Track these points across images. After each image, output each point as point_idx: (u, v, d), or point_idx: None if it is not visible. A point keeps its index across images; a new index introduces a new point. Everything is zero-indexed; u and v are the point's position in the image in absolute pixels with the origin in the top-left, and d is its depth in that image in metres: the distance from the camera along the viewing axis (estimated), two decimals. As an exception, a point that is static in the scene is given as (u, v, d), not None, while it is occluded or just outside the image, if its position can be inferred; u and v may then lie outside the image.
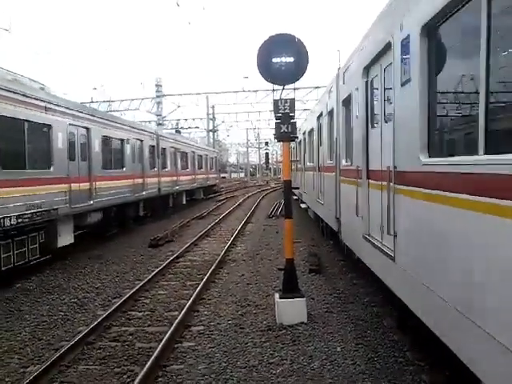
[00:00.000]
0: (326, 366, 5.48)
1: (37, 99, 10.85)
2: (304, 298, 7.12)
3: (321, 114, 12.70)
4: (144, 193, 18.61)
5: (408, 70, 4.72)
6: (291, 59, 7.14)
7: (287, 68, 7.15)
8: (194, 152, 29.93)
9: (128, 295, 8.44)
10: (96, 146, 14.10)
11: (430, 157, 4.35)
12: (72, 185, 12.27)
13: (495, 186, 3.00)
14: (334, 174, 10.36)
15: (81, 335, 6.45)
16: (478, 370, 3.27)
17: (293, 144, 21.39)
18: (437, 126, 4.45)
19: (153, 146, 20.66)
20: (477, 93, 3.42)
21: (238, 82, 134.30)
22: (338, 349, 5.98)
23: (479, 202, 3.20)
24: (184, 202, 27.27)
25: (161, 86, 42.42)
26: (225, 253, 12.36)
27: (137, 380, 5.00)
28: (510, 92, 3.25)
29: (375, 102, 6.64)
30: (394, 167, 5.25)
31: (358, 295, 8.24)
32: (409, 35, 4.63)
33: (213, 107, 47.71)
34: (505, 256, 2.88)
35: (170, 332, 6.40)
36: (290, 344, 6.19)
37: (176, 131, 42.75)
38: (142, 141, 18.82)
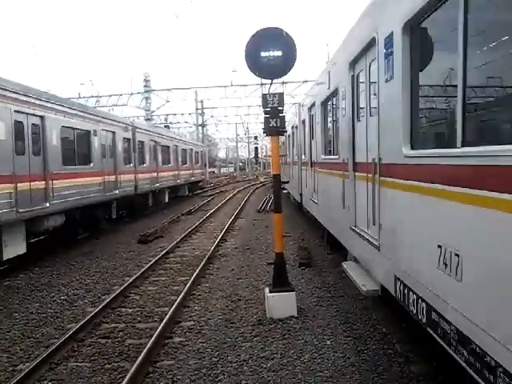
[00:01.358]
0: (316, 360, 5.52)
1: None
2: (294, 292, 7.15)
3: (293, 126, 18.48)
4: (117, 191, 16.51)
5: (319, 117, 10.71)
6: (279, 53, 7.13)
7: (275, 62, 7.13)
8: (176, 146, 27.87)
9: (118, 291, 8.42)
10: (53, 137, 11.99)
11: (324, 155, 10.20)
12: (19, 184, 10.23)
13: (332, 166, 8.78)
14: (297, 166, 17.25)
15: (70, 332, 6.43)
16: (332, 231, 9.57)
17: (280, 140, 23.14)
18: (327, 143, 10.16)
19: (128, 139, 18.62)
20: (332, 133, 9.50)
21: (227, 75, 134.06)
22: (328, 342, 6.02)
23: (330, 171, 9.01)
24: (166, 201, 25.33)
25: (149, 80, 42.29)
26: (215, 248, 12.36)
27: (128, 376, 5.00)
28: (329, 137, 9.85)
29: (314, 126, 11.94)
30: (316, 159, 11.52)
31: (347, 288, 8.28)
32: (320, 101, 10.39)
33: (201, 102, 47.56)
34: (335, 189, 8.36)
35: (160, 328, 6.40)
36: (281, 338, 6.22)
37: (165, 126, 42.58)
38: (114, 133, 16.76)
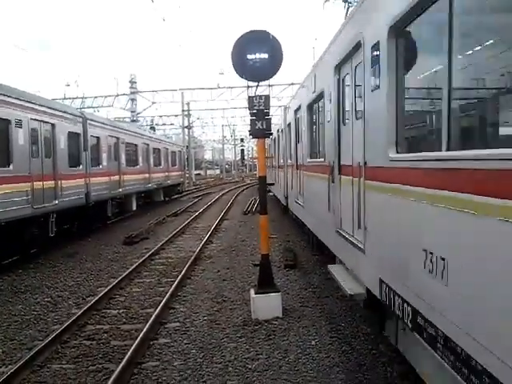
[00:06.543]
0: (301, 360, 5.56)
1: None
2: (279, 293, 7.19)
3: (278, 130, 19.92)
4: (56, 201, 12.87)
5: (282, 137, 17.46)
6: (266, 56, 7.19)
7: (262, 65, 7.19)
8: (147, 144, 23.97)
9: (103, 293, 8.37)
10: None
11: (286, 160, 16.30)
12: None
13: (289, 167, 15.31)
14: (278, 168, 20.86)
15: (54, 334, 6.38)
16: (285, 203, 17.32)
17: (266, 143, 23.88)
18: (287, 154, 15.90)
19: (76, 134, 14.77)
20: (289, 148, 15.51)
21: (214, 78, 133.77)
22: (313, 342, 6.07)
23: (288, 170, 15.86)
24: (134, 208, 21.70)
25: (135, 82, 41.98)
26: (200, 249, 12.35)
27: (112, 377, 4.98)
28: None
29: (280, 142, 18.50)
30: (281, 163, 18.26)
31: (332, 289, 8.35)
32: (282, 128, 17.17)
33: (188, 104, 47.36)
34: (290, 179, 15.18)
35: (145, 329, 6.38)
36: (266, 339, 6.25)
37: (151, 128, 42.37)
38: (53, 125, 12.99)
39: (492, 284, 2.60)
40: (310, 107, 10.06)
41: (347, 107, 6.44)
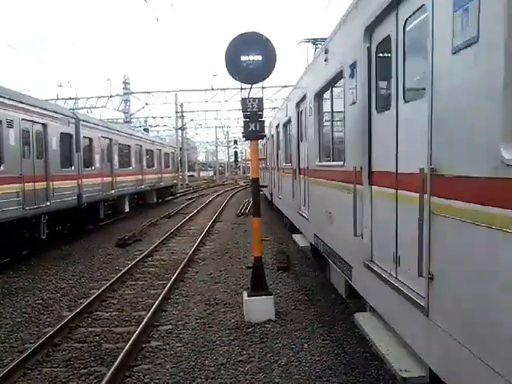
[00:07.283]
0: (294, 363, 5.56)
1: None
2: (272, 296, 7.18)
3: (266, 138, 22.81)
4: (48, 203, 12.77)
5: (268, 146, 21.05)
6: (259, 58, 7.18)
7: (255, 66, 7.18)
8: (140, 146, 23.96)
9: (95, 295, 8.32)
10: None
11: (273, 163, 18.55)
12: None
13: (273, 169, 18.73)
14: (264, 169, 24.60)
15: (46, 337, 6.32)
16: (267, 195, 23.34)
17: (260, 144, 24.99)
18: (272, 158, 18.54)
19: (68, 135, 14.64)
20: (274, 153, 18.00)
21: (207, 79, 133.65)
22: (305, 345, 6.06)
23: (272, 171, 19.03)
24: (127, 210, 21.69)
25: (128, 83, 41.79)
26: (193, 252, 12.32)
27: (104, 381, 4.95)
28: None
29: (267, 149, 21.97)
30: (268, 165, 21.27)
31: (324, 292, 8.35)
32: (270, 135, 19.24)
33: (181, 105, 47.25)
34: (277, 179, 17.14)
35: (137, 332, 6.35)
36: (258, 342, 6.24)
37: (144, 129, 42.24)
38: (44, 125, 12.85)
39: (343, 219, 5.85)
40: (284, 126, 13.84)
41: (303, 131, 9.77)
